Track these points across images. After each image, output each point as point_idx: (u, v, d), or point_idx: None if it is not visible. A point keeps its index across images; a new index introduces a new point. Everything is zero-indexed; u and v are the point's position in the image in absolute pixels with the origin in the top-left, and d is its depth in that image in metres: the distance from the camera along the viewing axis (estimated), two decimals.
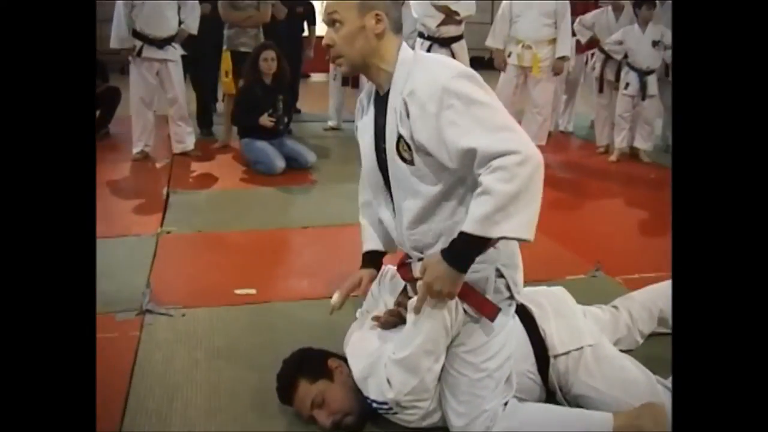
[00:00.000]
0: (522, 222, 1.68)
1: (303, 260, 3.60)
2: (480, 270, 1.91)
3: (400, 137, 1.85)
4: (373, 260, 2.23)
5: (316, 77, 11.65)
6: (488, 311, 1.92)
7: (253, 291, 3.09)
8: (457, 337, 1.92)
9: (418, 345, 1.87)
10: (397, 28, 1.93)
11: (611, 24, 6.26)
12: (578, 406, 2.09)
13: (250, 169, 5.42)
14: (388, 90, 1.90)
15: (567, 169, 5.89)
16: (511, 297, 1.99)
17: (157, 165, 5.54)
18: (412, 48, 1.96)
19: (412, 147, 1.83)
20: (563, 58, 5.65)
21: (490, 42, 5.85)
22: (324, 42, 1.92)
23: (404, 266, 2.09)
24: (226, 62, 5.98)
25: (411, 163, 1.86)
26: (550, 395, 2.16)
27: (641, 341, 2.53)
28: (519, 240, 1.75)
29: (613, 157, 6.16)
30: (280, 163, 5.30)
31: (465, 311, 1.90)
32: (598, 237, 4.13)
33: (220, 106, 7.03)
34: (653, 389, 2.05)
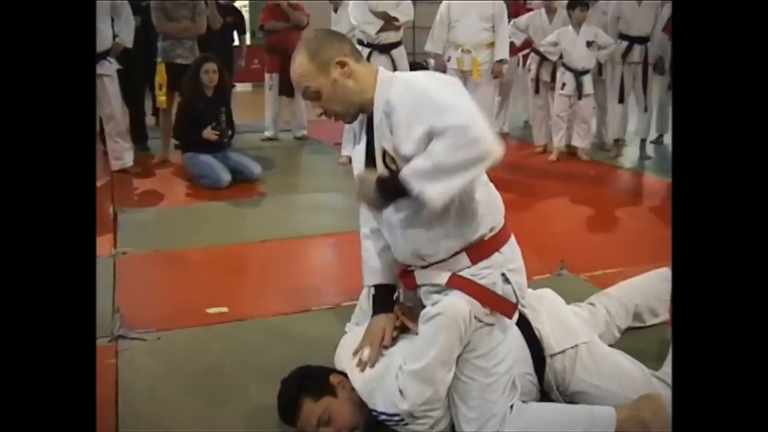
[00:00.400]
0: (440, 189, 1.71)
1: (267, 275, 3.54)
2: (486, 276, 1.93)
3: (384, 152, 1.89)
4: (383, 297, 2.15)
5: (241, 87, 11.50)
6: (506, 309, 1.95)
7: (224, 309, 3.02)
8: (468, 344, 1.92)
9: (433, 356, 1.86)
10: (358, 56, 1.98)
11: (545, 26, 6.39)
12: (575, 403, 2.12)
13: (194, 184, 5.30)
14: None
15: (511, 170, 5.95)
16: (517, 302, 2.00)
17: (98, 183, 5.33)
18: None
19: (396, 159, 1.86)
20: (502, 61, 5.72)
21: (429, 47, 5.89)
22: (317, 114, 1.97)
23: (407, 274, 2.08)
24: (161, 75, 5.81)
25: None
26: (544, 395, 2.18)
27: (618, 336, 2.59)
28: (426, 203, 1.74)
29: (552, 157, 6.29)
30: (226, 177, 5.20)
31: (476, 318, 1.91)
32: (554, 236, 4.19)
33: (149, 119, 6.87)
34: (648, 381, 2.11)
